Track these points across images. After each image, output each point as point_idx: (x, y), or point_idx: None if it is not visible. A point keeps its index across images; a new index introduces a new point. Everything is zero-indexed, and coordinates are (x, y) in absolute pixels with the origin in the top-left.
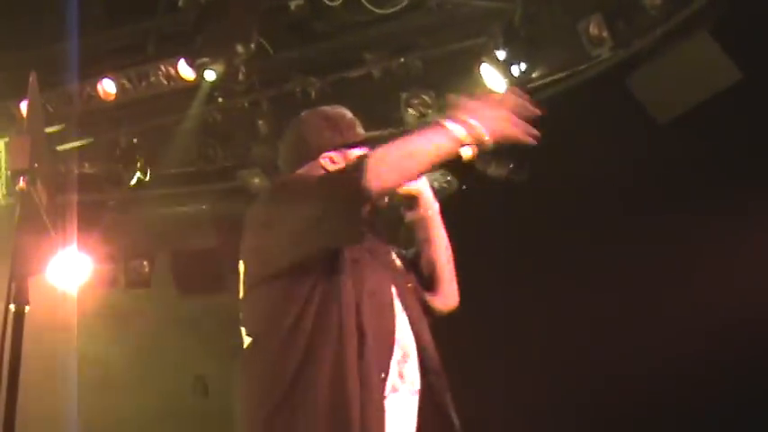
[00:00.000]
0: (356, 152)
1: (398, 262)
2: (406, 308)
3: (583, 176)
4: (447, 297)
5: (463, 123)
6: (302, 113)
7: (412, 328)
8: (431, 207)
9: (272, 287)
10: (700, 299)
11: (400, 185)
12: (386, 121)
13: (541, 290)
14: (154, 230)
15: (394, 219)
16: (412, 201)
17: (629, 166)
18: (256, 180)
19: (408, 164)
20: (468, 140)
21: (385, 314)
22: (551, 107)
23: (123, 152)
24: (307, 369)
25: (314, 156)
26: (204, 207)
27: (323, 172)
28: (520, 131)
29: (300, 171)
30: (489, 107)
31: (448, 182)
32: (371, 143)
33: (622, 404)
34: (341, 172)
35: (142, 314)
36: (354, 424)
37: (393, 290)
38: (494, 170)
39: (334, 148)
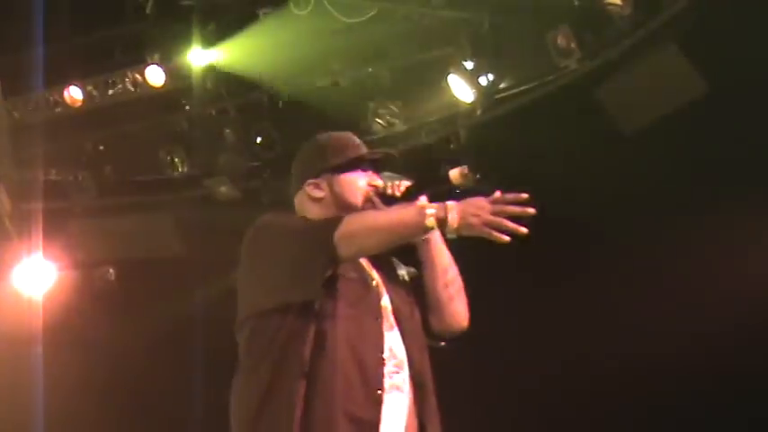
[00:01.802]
0: (346, 176)
1: (406, 277)
2: (401, 322)
3: (550, 186)
4: (447, 319)
5: (441, 214)
6: (306, 143)
7: (404, 341)
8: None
9: (257, 319)
10: (671, 303)
11: (367, 254)
12: (352, 131)
13: (512, 296)
14: (119, 238)
15: None
16: None
17: (595, 176)
18: (223, 188)
19: (378, 238)
20: (436, 228)
21: (371, 331)
22: (519, 117)
23: (89, 159)
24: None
25: (300, 184)
26: (170, 215)
27: (312, 198)
28: (493, 232)
29: (296, 200)
30: (473, 206)
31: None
32: (359, 165)
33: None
34: (315, 230)
35: (110, 322)
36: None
37: (388, 305)
38: (461, 179)
39: (317, 175)
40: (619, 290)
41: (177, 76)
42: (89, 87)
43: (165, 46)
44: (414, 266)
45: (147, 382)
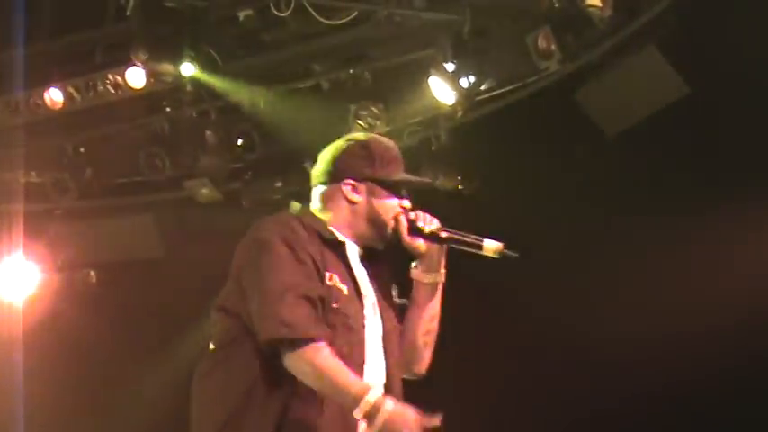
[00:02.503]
0: (386, 194)
1: (397, 300)
2: (387, 347)
3: (531, 188)
4: (414, 363)
5: (372, 412)
6: (351, 137)
7: (387, 366)
8: (432, 275)
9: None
10: (648, 304)
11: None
12: (334, 133)
13: (491, 295)
14: (100, 240)
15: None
16: (421, 260)
17: (576, 178)
18: (204, 190)
19: (316, 384)
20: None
21: (359, 352)
22: (500, 119)
23: (70, 161)
24: (261, 388)
25: (339, 179)
26: (151, 217)
27: (346, 199)
28: None
29: (325, 190)
30: (403, 422)
31: None
32: (401, 188)
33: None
34: (294, 315)
35: (91, 324)
36: None
37: (380, 326)
38: (442, 182)
39: (361, 179)
40: (603, 290)
41: (158, 78)
42: (69, 89)
43: (146, 48)
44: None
45: (129, 384)
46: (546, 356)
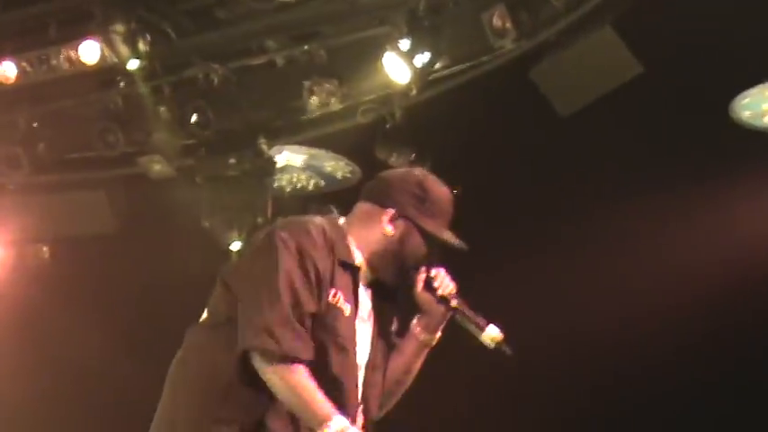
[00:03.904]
0: (420, 240)
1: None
2: (369, 373)
3: (485, 166)
4: (375, 409)
5: None
6: (417, 171)
7: (365, 390)
8: (428, 335)
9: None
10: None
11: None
12: (288, 110)
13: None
14: (53, 216)
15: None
16: (425, 316)
17: (530, 156)
18: (157, 166)
19: (286, 400)
20: None
21: (348, 375)
22: (455, 97)
23: (23, 135)
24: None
25: (384, 205)
26: (104, 193)
27: (381, 226)
28: None
29: (366, 207)
30: None
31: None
32: (438, 247)
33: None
34: (283, 330)
35: (43, 301)
36: None
37: (367, 354)
38: (395, 159)
39: (402, 213)
40: (559, 270)
41: (112, 53)
42: (23, 63)
43: (101, 23)
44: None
45: (82, 360)
46: (519, 339)
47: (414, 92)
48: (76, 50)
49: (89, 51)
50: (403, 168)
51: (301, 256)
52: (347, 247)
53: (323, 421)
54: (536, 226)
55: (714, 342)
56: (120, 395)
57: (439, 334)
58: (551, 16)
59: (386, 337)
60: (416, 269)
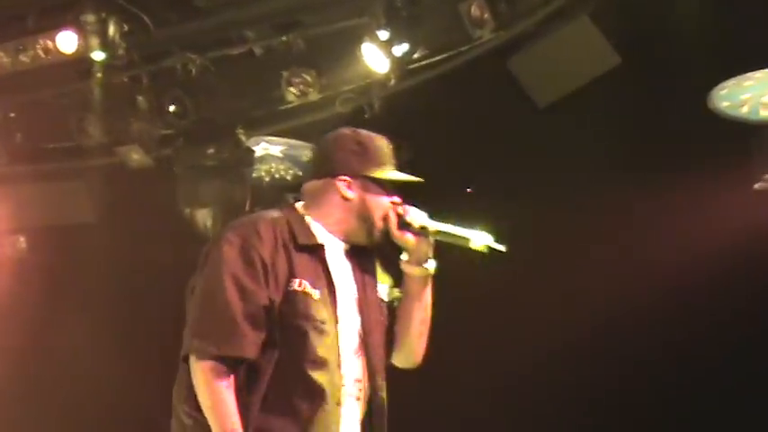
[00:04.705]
0: (379, 192)
1: (385, 298)
2: (368, 345)
3: (464, 156)
4: (407, 355)
5: None
6: (345, 130)
7: (367, 365)
8: (421, 268)
9: None
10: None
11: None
12: (267, 100)
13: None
14: (31, 206)
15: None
16: (411, 253)
17: (508, 147)
18: (135, 156)
19: (201, 398)
20: None
21: (334, 354)
22: (433, 88)
23: (0, 125)
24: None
25: (333, 174)
26: (82, 183)
27: (339, 195)
28: None
29: (317, 184)
30: None
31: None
32: (392, 185)
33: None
34: (212, 328)
35: (20, 291)
36: None
37: (358, 325)
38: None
39: (354, 175)
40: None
41: (89, 42)
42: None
43: (78, 13)
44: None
45: (61, 349)
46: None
47: (392, 82)
48: (54, 40)
49: (66, 41)
50: (329, 134)
51: (246, 252)
52: (307, 230)
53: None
54: (513, 216)
55: (698, 337)
56: (100, 384)
57: (433, 263)
58: (529, 7)
59: (378, 299)
60: (385, 218)
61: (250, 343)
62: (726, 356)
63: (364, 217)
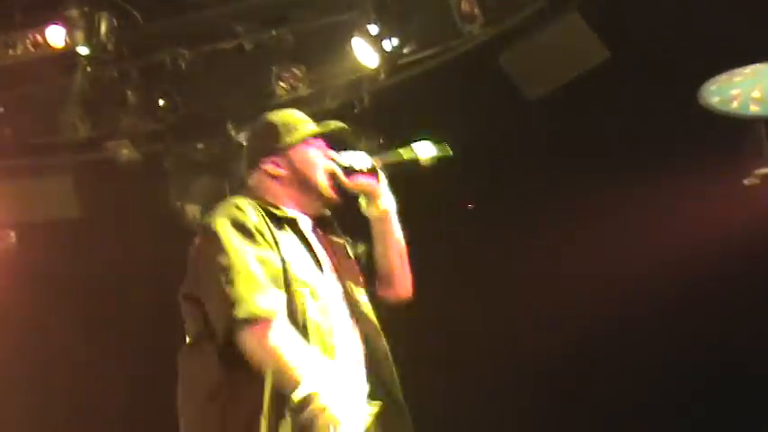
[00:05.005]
0: (304, 154)
1: (358, 255)
2: (356, 312)
3: (453, 151)
4: (399, 289)
5: (303, 403)
6: (255, 121)
7: (358, 325)
8: (386, 205)
9: None
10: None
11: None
12: (256, 94)
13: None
14: (20, 201)
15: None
16: (368, 196)
17: (498, 142)
18: (124, 151)
19: (263, 362)
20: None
21: (328, 318)
22: (423, 82)
23: None
24: (238, 372)
25: (256, 163)
26: (71, 178)
27: (273, 177)
28: None
29: (252, 177)
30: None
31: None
32: (316, 141)
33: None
34: (243, 293)
35: (10, 286)
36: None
37: (340, 292)
38: (364, 144)
39: (275, 153)
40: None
41: (78, 37)
42: None
43: (68, 7)
44: (363, 239)
45: (48, 344)
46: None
47: (382, 77)
48: (43, 35)
49: (56, 35)
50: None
51: (240, 226)
52: (276, 207)
53: (295, 384)
54: (503, 210)
55: (688, 332)
56: (87, 380)
57: (390, 196)
58: (519, 2)
59: (351, 263)
60: (331, 174)
61: (281, 298)
62: (717, 350)
63: (305, 183)
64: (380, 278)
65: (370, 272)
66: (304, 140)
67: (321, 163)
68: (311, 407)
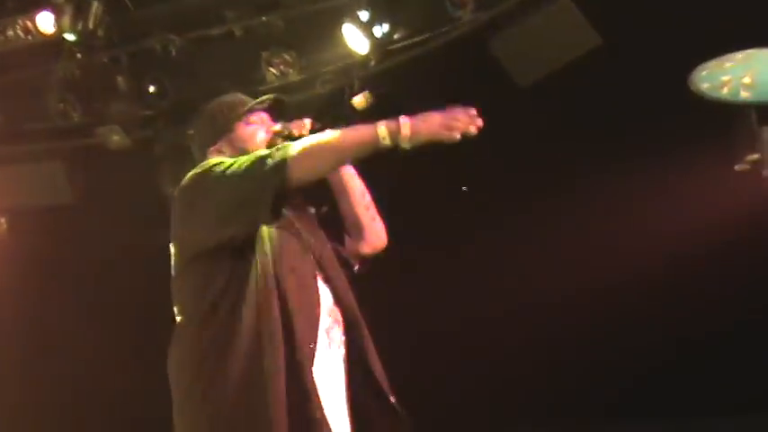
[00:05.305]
0: (242, 132)
1: (321, 215)
2: (328, 275)
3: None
4: (373, 239)
5: (393, 126)
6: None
7: (334, 293)
8: None
9: (198, 264)
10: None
11: (320, 176)
12: (247, 80)
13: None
14: (11, 187)
15: None
16: None
17: (489, 128)
18: (115, 137)
19: (334, 157)
20: (389, 140)
21: (308, 289)
22: (413, 68)
23: None
24: (224, 342)
25: (204, 155)
26: (62, 164)
27: (219, 165)
28: (444, 132)
29: (198, 171)
30: (423, 115)
31: None
32: (252, 115)
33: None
34: (267, 154)
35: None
36: (275, 395)
37: (314, 260)
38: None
39: (216, 140)
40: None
41: (69, 23)
42: None
43: None
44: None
45: (41, 331)
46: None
47: (373, 63)
48: (33, 21)
49: (46, 21)
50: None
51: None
52: None
53: (374, 130)
54: (492, 197)
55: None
56: (80, 366)
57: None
58: None
59: (317, 228)
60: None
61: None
62: (709, 337)
63: None
64: (351, 233)
65: (339, 229)
66: (242, 120)
67: (261, 136)
68: (402, 124)
